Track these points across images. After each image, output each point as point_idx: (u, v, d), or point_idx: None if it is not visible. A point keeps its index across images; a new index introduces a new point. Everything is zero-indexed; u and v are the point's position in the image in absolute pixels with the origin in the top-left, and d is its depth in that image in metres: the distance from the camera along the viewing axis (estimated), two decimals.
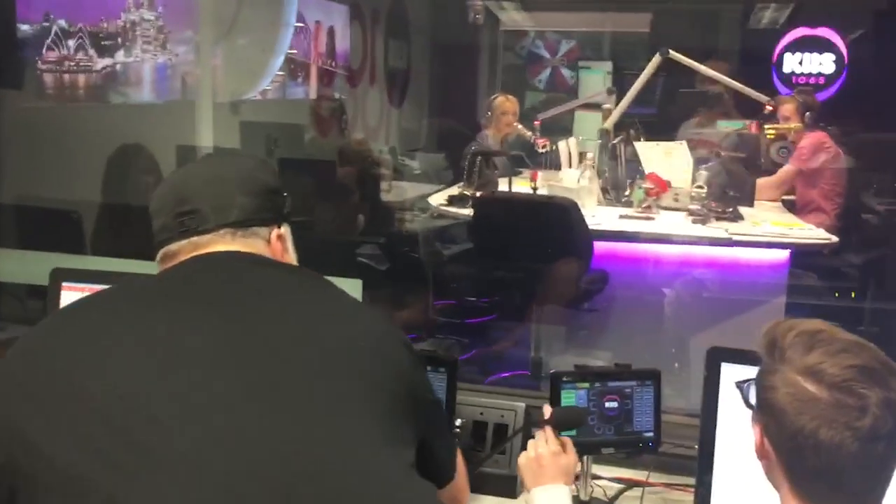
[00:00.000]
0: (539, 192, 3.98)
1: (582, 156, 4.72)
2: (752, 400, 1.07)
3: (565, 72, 8.74)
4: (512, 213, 3.38)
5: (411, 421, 1.07)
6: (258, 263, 1.17)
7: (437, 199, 4.23)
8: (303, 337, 1.05)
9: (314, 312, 1.10)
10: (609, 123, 4.40)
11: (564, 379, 1.60)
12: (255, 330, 1.04)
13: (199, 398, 0.96)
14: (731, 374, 1.60)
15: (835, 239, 3.63)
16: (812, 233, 3.68)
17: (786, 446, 0.99)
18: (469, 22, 6.42)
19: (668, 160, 4.57)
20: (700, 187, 3.84)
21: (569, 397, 1.60)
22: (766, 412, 1.02)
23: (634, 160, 4.43)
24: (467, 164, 4.66)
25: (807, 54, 5.63)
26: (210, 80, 3.37)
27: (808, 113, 4.33)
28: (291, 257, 1.26)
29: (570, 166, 4.63)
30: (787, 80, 5.70)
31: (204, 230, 1.17)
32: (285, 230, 1.25)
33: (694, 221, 3.82)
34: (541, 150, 5.13)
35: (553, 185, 4.10)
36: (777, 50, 5.70)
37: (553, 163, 5.09)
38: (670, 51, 4.33)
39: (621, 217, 3.80)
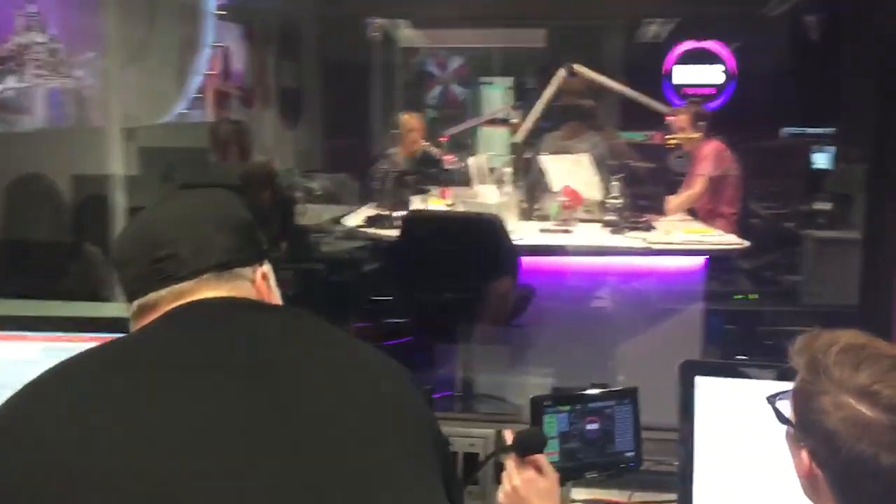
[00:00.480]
0: (457, 209, 3.95)
1: (491, 171, 4.74)
2: (788, 415, 1.05)
3: (455, 89, 8.81)
4: (444, 231, 3.33)
5: (438, 467, 1.00)
6: (255, 309, 1.06)
7: (353, 221, 4.14)
8: (328, 391, 0.96)
9: (329, 361, 1.01)
10: (519, 137, 4.42)
11: (546, 403, 1.55)
12: (277, 390, 0.93)
13: (241, 475, 0.85)
14: (705, 386, 1.60)
15: (747, 243, 3.76)
16: (725, 238, 3.79)
17: (839, 471, 0.96)
18: (364, 40, 6.37)
19: (575, 173, 4.65)
20: (615, 198, 3.90)
21: (550, 422, 1.54)
22: (816, 436, 0.98)
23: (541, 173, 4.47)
24: (381, 183, 4.61)
25: (696, 66, 5.86)
26: (118, 105, 3.17)
27: (699, 123, 4.47)
28: (276, 296, 1.15)
29: (482, 181, 4.61)
30: (679, 91, 5.92)
31: (184, 276, 1.05)
32: (267, 268, 1.14)
33: (612, 232, 3.88)
34: (449, 167, 5.13)
35: (469, 202, 4.08)
36: (668, 63, 5.91)
37: (460, 179, 5.09)
38: (575, 65, 4.39)
39: (542, 231, 3.81)
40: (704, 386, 1.60)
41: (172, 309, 1.03)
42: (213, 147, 4.48)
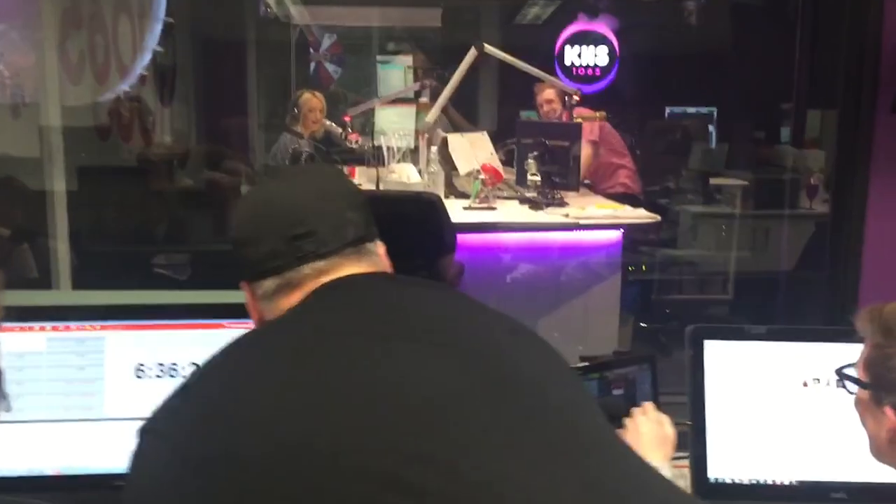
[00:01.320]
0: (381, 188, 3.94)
1: (397, 150, 4.76)
2: (866, 380, 1.16)
3: (329, 66, 8.70)
4: (385, 211, 3.30)
5: None
6: (409, 284, 1.07)
7: None
8: (521, 356, 0.98)
9: (505, 331, 1.03)
10: (431, 117, 4.44)
11: (579, 374, 1.62)
12: (483, 360, 0.94)
13: (493, 445, 0.85)
14: (714, 350, 1.71)
15: (658, 218, 3.97)
16: (638, 213, 3.98)
17: None
18: (254, 17, 6.19)
19: (474, 150, 4.74)
20: (535, 175, 4.01)
21: None
22: None
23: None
24: (290, 163, 4.53)
25: (584, 48, 6.07)
26: (56, 83, 2.94)
27: (566, 98, 4.66)
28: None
29: (392, 161, 4.61)
30: (569, 72, 6.12)
31: (325, 253, 1.04)
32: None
33: (530, 208, 3.99)
34: (353, 146, 5.09)
35: (391, 182, 4.08)
36: (558, 44, 6.09)
37: (358, 159, 5.07)
38: (485, 45, 4.45)
39: (465, 209, 3.88)
40: (713, 349, 1.72)
41: (327, 285, 1.02)
42: (116, 126, 4.26)
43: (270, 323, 1.03)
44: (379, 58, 5.66)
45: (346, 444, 0.82)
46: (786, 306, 4.33)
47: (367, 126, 5.53)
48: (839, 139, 1.94)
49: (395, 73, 5.54)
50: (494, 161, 4.70)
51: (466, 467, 0.82)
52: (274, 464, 0.81)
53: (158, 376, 1.59)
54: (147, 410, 1.53)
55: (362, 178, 4.66)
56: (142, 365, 1.59)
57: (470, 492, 0.80)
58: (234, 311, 1.61)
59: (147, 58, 4.77)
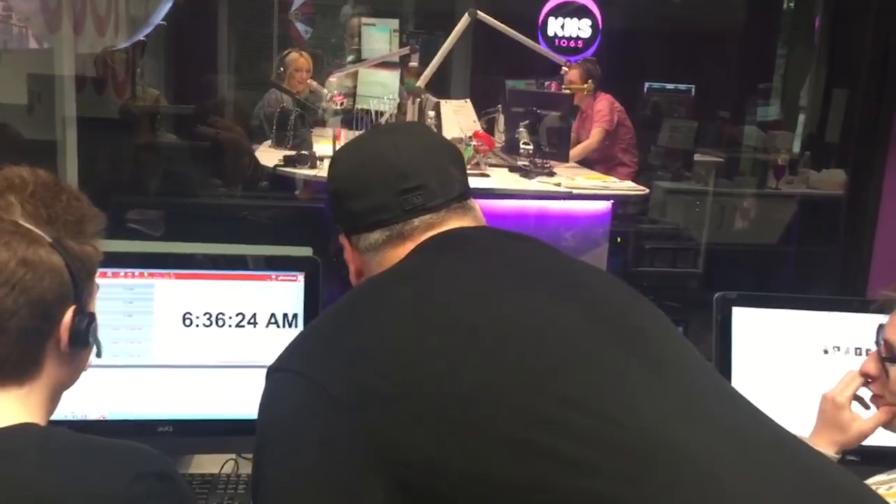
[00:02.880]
0: None
1: (381, 115, 4.75)
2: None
3: (299, 26, 8.57)
4: None
5: None
6: (514, 237, 1.11)
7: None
8: (639, 313, 1.03)
9: (610, 282, 1.08)
10: (422, 81, 4.43)
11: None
12: (609, 303, 1.00)
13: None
14: (742, 316, 1.78)
15: (646, 190, 4.04)
16: (626, 185, 4.05)
17: None
18: None
19: (457, 117, 4.75)
20: (527, 144, 4.05)
21: None
22: None
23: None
24: (276, 122, 4.49)
25: (567, 19, 6.09)
26: (70, 29, 2.86)
27: (590, 80, 4.71)
28: None
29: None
30: (552, 42, 6.13)
31: (433, 207, 1.07)
32: None
33: (521, 176, 4.03)
34: (338, 108, 5.06)
35: None
36: (542, 14, 6.10)
37: (345, 122, 5.04)
38: (479, 11, 4.45)
39: None
40: (742, 316, 1.78)
41: (438, 237, 1.05)
42: (109, 78, 4.17)
43: (393, 272, 1.04)
44: (364, 20, 5.60)
45: (501, 385, 0.86)
46: (763, 280, 4.45)
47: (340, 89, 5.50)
48: (861, 120, 2.01)
49: (380, 35, 5.49)
50: (478, 128, 4.74)
51: (618, 412, 0.86)
52: (423, 401, 0.85)
53: (206, 325, 1.60)
54: (193, 358, 1.57)
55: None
56: (189, 313, 1.60)
57: (630, 436, 0.84)
58: (282, 263, 1.63)
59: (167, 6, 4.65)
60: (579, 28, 6.09)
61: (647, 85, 6.03)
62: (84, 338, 0.98)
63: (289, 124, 4.32)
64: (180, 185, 3.85)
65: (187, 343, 1.59)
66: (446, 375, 0.86)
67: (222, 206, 3.38)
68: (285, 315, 1.62)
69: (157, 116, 4.49)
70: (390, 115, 4.77)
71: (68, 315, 0.95)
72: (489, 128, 4.90)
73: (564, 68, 4.61)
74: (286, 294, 1.62)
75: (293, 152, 4.08)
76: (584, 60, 4.97)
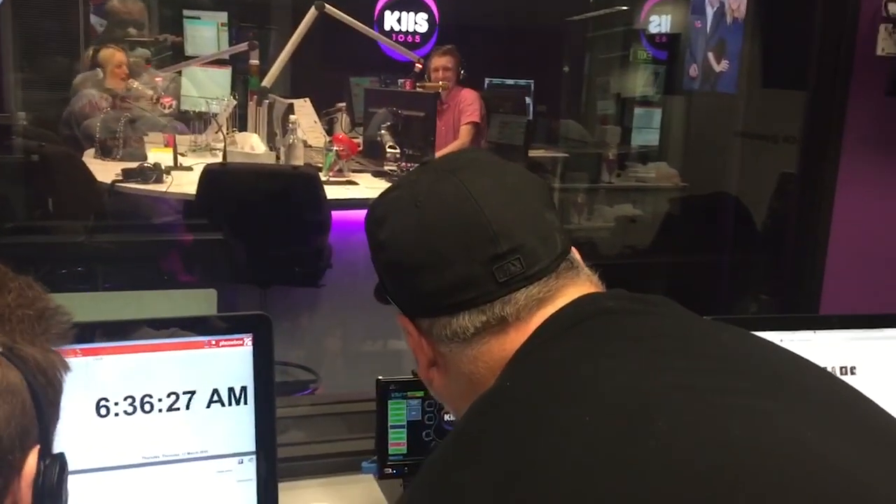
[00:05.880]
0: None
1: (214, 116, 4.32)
2: None
3: (92, 18, 7.83)
4: (255, 187, 2.92)
5: None
6: (649, 303, 0.82)
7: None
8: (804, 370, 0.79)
9: (757, 343, 0.83)
10: (269, 80, 4.06)
11: (392, 387, 1.40)
12: (780, 380, 0.75)
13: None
14: None
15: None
16: None
17: None
18: None
19: (296, 118, 4.43)
20: (393, 147, 3.78)
21: (398, 409, 1.40)
22: None
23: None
24: (101, 129, 3.95)
25: (404, 13, 5.87)
26: None
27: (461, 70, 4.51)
28: None
29: (228, 130, 4.16)
30: (388, 37, 5.88)
31: (537, 274, 0.79)
32: None
33: (390, 181, 3.76)
34: (166, 111, 4.55)
35: (235, 152, 3.65)
36: (378, 7, 5.84)
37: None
38: (325, 4, 4.13)
39: (327, 184, 3.57)
40: None
41: (564, 315, 0.78)
42: None
43: (535, 383, 0.74)
44: (186, 13, 5.08)
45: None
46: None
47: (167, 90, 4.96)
48: (807, 123, 1.93)
49: (206, 30, 5.01)
50: (319, 130, 4.43)
51: None
52: None
53: (127, 413, 1.23)
54: (113, 457, 1.20)
55: (184, 146, 4.18)
56: (104, 399, 1.23)
57: None
58: (224, 325, 1.29)
59: None
60: (416, 22, 5.89)
61: (486, 81, 5.92)
62: (55, 494, 0.66)
63: (118, 131, 3.79)
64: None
65: (104, 438, 1.21)
66: None
67: (67, 245, 2.79)
68: (231, 390, 1.28)
69: None
70: (227, 118, 4.35)
71: (31, 460, 0.64)
72: (330, 128, 4.59)
73: (418, 65, 4.37)
74: (231, 363, 1.28)
75: (127, 164, 3.57)
76: (447, 47, 4.70)
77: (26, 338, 0.64)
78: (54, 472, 0.66)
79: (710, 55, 3.61)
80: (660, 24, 5.89)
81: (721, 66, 3.51)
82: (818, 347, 1.46)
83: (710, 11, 3.66)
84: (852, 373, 1.51)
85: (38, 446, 0.64)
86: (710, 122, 4.01)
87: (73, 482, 1.17)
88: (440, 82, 4.44)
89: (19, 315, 0.64)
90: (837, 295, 1.92)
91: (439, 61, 4.34)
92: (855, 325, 1.50)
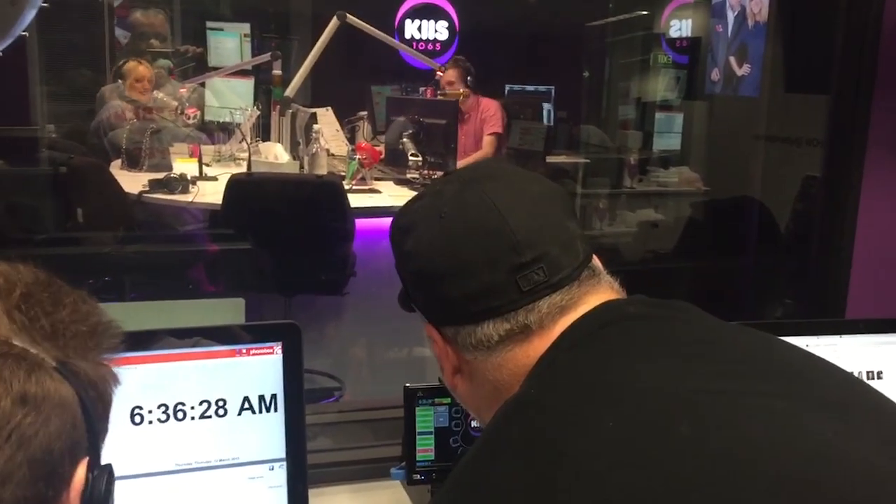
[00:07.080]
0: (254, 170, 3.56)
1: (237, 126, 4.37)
2: None
3: (117, 30, 7.92)
4: (281, 197, 2.95)
5: None
6: (671, 308, 0.84)
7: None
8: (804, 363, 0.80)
9: (755, 335, 0.84)
10: (291, 90, 4.09)
11: (419, 394, 1.42)
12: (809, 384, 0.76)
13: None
14: None
15: None
16: None
17: None
18: None
19: (319, 127, 4.46)
20: (415, 155, 3.80)
21: (426, 415, 1.42)
22: None
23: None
24: (127, 140, 4.01)
25: (424, 21, 5.90)
26: None
27: (469, 78, 4.54)
28: None
29: (251, 140, 4.21)
30: (409, 44, 5.92)
31: (560, 282, 0.80)
32: None
33: (412, 190, 3.78)
34: (190, 122, 4.60)
35: (259, 161, 3.69)
36: (398, 16, 5.88)
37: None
38: (348, 14, 4.17)
39: (350, 192, 3.60)
40: None
41: (587, 323, 0.79)
42: None
43: (563, 389, 0.75)
44: (209, 24, 5.14)
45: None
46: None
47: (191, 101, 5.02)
48: (831, 126, 1.92)
49: (229, 41, 5.06)
50: (341, 138, 4.46)
51: None
52: None
53: (161, 420, 1.26)
54: (147, 464, 1.22)
55: (208, 156, 4.23)
56: (138, 408, 1.25)
57: None
58: (254, 333, 1.31)
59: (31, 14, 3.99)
60: (436, 30, 5.92)
61: (507, 87, 5.94)
62: None
63: (143, 142, 3.84)
64: (25, 225, 3.22)
65: (138, 446, 1.24)
66: None
67: (95, 255, 2.85)
68: (261, 398, 1.30)
69: None
70: (250, 128, 4.40)
71: (80, 472, 0.64)
72: (352, 137, 4.62)
73: (439, 73, 4.40)
74: (261, 371, 1.30)
75: (154, 175, 3.62)
76: (455, 59, 4.74)
77: (79, 352, 0.65)
78: (102, 483, 0.67)
79: (732, 59, 3.60)
80: (680, 28, 5.88)
81: (743, 70, 3.51)
82: (844, 352, 1.46)
83: (731, 15, 3.66)
84: (879, 377, 1.51)
85: (87, 458, 0.65)
86: (733, 126, 3.99)
87: None
88: (460, 90, 4.47)
89: (73, 331, 0.65)
90: (863, 299, 1.91)
91: (445, 77, 4.40)
92: (881, 330, 1.50)
